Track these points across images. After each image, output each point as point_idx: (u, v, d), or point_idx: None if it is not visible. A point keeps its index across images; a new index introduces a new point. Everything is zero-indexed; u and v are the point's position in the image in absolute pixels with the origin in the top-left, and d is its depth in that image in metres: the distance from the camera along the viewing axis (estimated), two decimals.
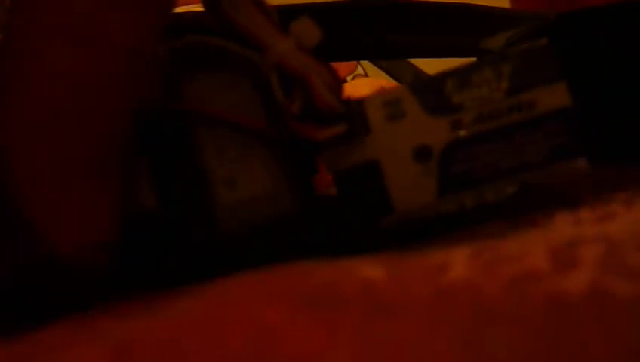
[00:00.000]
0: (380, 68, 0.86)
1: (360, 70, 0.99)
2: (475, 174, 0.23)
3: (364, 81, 0.84)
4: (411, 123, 0.24)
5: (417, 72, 0.80)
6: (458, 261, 0.18)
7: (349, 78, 0.97)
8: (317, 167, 0.24)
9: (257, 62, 0.24)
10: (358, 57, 0.75)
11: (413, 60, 0.82)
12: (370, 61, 0.85)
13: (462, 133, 0.23)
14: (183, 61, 0.24)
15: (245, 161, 0.24)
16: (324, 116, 0.23)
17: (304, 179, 0.24)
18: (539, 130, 0.23)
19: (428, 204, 0.24)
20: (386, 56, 0.72)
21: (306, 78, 0.23)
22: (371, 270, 0.18)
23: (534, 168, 0.23)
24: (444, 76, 0.24)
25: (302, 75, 0.23)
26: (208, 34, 0.24)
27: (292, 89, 0.23)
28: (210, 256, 0.23)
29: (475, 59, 0.41)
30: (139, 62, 0.22)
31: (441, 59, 0.45)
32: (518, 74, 0.23)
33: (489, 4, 0.42)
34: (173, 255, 0.23)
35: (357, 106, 0.24)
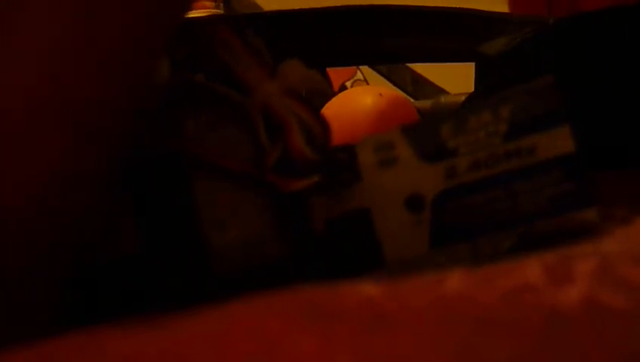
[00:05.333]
0: (379, 72, 0.86)
1: (359, 75, 0.99)
2: (471, 225, 0.22)
3: (363, 88, 0.85)
4: (403, 170, 0.22)
5: (415, 77, 0.80)
6: (455, 275, 0.18)
7: (348, 84, 0.97)
8: (309, 211, 0.23)
9: (243, 103, 0.23)
10: (356, 62, 0.75)
11: (412, 65, 0.83)
12: (369, 66, 0.85)
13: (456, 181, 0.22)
14: (176, 99, 0.23)
15: (236, 204, 0.22)
16: (299, 165, 0.22)
17: (296, 222, 0.23)
18: (540, 178, 0.21)
19: (420, 255, 0.22)
20: (384, 61, 0.72)
21: (285, 124, 0.22)
22: (370, 287, 0.18)
23: (535, 220, 0.21)
24: (440, 120, 0.22)
25: (283, 120, 0.22)
26: (195, 71, 0.23)
27: (276, 134, 0.22)
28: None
29: (473, 63, 0.42)
30: None
31: (440, 63, 0.46)
32: (518, 116, 0.21)
33: (487, 9, 0.42)
34: (157, 298, 0.22)
35: (348, 152, 0.23)
